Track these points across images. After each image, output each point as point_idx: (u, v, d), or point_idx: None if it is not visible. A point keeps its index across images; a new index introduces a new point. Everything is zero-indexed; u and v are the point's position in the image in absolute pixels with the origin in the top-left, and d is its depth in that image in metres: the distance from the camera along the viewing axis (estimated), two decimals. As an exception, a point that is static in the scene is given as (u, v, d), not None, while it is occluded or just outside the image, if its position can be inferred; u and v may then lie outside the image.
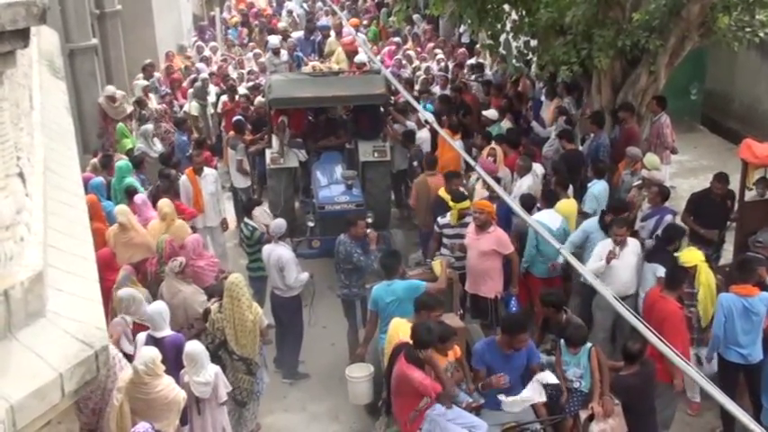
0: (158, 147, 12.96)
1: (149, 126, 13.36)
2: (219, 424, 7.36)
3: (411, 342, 6.80)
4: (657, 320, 7.26)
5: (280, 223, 9.30)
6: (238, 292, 7.82)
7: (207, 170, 11.17)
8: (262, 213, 10.37)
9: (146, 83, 15.08)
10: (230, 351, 7.84)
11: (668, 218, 9.47)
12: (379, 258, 8.68)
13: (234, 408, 8.00)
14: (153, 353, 6.69)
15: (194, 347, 7.12)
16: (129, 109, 14.32)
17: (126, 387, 6.58)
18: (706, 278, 8.17)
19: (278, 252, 9.06)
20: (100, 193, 10.59)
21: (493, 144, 11.50)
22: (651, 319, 7.30)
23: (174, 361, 7.09)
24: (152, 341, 7.25)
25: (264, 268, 9.46)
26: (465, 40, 19.55)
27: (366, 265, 9.07)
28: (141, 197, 10.29)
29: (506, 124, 12.83)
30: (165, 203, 9.80)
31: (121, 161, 11.50)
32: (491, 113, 12.98)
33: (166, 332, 7.39)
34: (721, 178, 9.75)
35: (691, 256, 8.22)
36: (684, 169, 13.80)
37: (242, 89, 15.06)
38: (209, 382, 7.06)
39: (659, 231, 9.24)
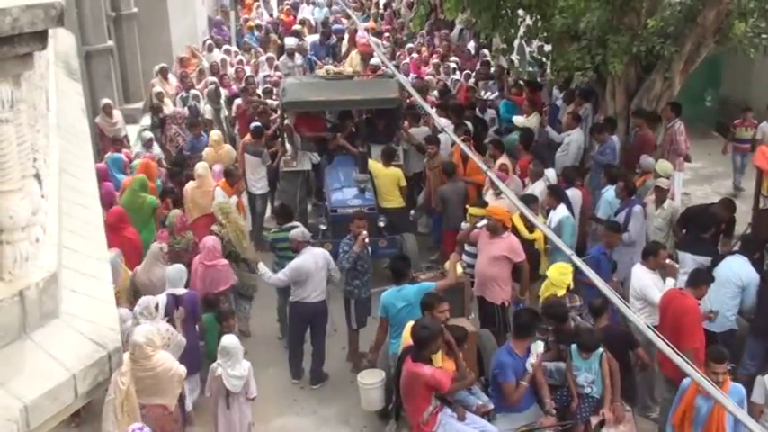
0: (156, 150, 12.97)
1: (148, 132, 13.40)
2: (246, 419, 7.59)
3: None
4: (675, 316, 7.33)
5: (302, 231, 9.29)
6: (227, 208, 9.86)
7: None
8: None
9: (160, 89, 15.06)
10: (237, 254, 9.62)
11: (636, 209, 9.59)
12: (389, 263, 8.72)
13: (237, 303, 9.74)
14: (146, 326, 7.14)
15: (231, 341, 7.42)
16: (124, 132, 14.06)
17: (130, 369, 6.68)
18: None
19: (324, 253, 9.11)
20: (117, 166, 11.27)
21: (504, 159, 11.40)
22: (667, 315, 7.33)
23: (191, 314, 8.13)
24: (173, 299, 8.10)
25: None
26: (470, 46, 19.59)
27: (338, 262, 9.13)
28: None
29: (532, 123, 12.89)
30: (214, 132, 12.80)
31: (137, 160, 11.65)
32: (519, 120, 12.98)
33: (183, 290, 8.24)
34: (726, 206, 9.70)
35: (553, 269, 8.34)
36: (698, 176, 13.74)
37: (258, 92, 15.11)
38: (243, 376, 7.34)
39: (631, 224, 9.47)
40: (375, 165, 11.66)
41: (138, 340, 6.82)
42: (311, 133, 12.66)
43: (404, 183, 11.58)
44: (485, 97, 15.02)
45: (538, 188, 10.52)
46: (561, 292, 8.15)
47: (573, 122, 12.30)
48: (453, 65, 17.45)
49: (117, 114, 14.01)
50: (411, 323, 7.36)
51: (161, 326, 7.69)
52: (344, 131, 12.65)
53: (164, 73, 16.01)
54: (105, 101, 13.97)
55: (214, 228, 9.77)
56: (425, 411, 6.67)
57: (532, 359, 7.05)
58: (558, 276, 8.12)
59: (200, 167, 11.20)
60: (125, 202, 10.22)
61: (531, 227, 9.13)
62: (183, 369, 7.16)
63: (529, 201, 9.06)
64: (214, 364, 7.42)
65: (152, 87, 15.53)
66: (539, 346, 7.11)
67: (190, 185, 11.02)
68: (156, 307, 7.81)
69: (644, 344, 7.67)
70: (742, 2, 10.58)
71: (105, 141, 13.47)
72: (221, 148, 12.57)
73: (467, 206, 10.11)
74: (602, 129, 11.68)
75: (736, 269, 8.22)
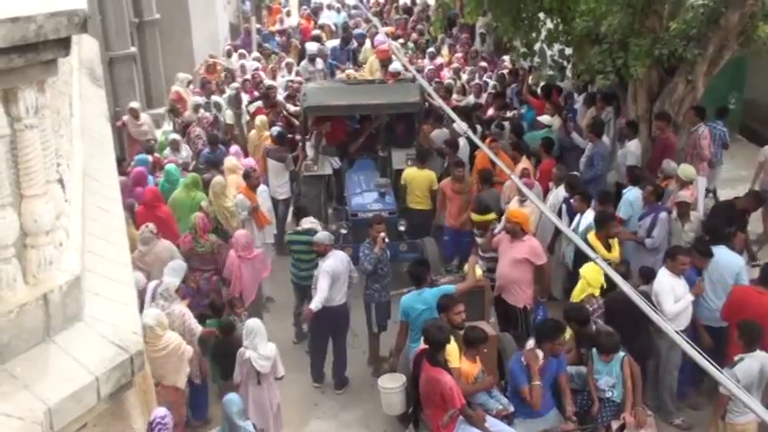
0: (183, 154, 13.07)
1: (176, 135, 13.55)
2: (276, 399, 7.89)
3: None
4: (757, 316, 7.28)
5: (328, 234, 9.34)
6: (218, 189, 10.44)
7: (261, 186, 11.15)
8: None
9: (199, 100, 14.97)
10: (225, 231, 10.31)
11: (662, 215, 9.49)
12: (407, 267, 8.72)
13: None
14: (155, 310, 7.48)
15: (255, 322, 7.76)
16: (151, 135, 14.24)
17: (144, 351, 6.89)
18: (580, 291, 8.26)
19: (345, 255, 9.20)
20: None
21: (525, 163, 11.35)
22: (744, 313, 7.39)
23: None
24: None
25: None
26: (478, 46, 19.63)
27: (360, 265, 9.17)
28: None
29: (554, 126, 12.85)
30: (259, 118, 13.45)
31: (170, 165, 11.84)
32: (545, 119, 12.94)
33: (176, 281, 8.41)
34: (754, 197, 9.81)
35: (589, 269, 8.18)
36: (721, 180, 13.57)
37: (279, 97, 15.15)
38: (271, 357, 7.63)
39: (656, 230, 9.36)
40: (409, 170, 11.54)
41: (148, 322, 7.11)
42: (332, 138, 12.67)
43: (436, 185, 11.41)
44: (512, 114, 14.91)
45: (561, 192, 10.48)
46: (598, 292, 8.12)
47: (593, 133, 12.18)
48: (479, 68, 17.42)
49: (145, 118, 14.22)
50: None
51: (176, 308, 8.03)
52: (364, 135, 12.68)
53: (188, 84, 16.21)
54: (133, 104, 14.18)
55: (203, 203, 10.23)
56: (446, 414, 6.67)
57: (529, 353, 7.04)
58: (595, 276, 8.08)
59: (232, 161, 11.56)
60: (177, 198, 10.70)
61: (608, 246, 8.90)
62: (190, 348, 7.58)
63: (607, 218, 9.08)
64: (241, 349, 7.65)
65: (175, 96, 15.59)
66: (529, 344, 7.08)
67: (230, 179, 11.13)
68: (178, 290, 8.15)
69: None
70: (766, 4, 10.47)
71: (132, 144, 13.72)
72: (263, 134, 12.96)
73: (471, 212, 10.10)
74: (594, 128, 11.70)
75: (726, 262, 8.25)
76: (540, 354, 7.05)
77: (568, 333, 7.71)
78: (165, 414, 6.10)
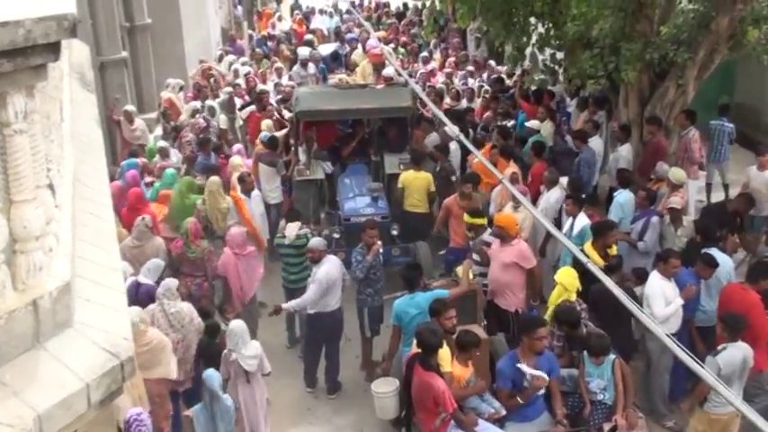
0: (174, 159, 13.05)
1: (164, 142, 13.56)
2: (263, 394, 7.93)
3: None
4: (740, 312, 7.39)
5: (322, 240, 9.34)
6: (215, 188, 10.53)
7: (254, 191, 11.15)
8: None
9: (196, 104, 14.95)
10: (213, 231, 10.38)
11: (654, 219, 9.56)
12: (400, 271, 8.73)
13: None
14: (136, 307, 7.60)
15: (238, 324, 7.79)
16: (145, 140, 14.32)
17: None
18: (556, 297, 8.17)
19: (339, 260, 9.21)
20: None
21: (513, 168, 11.29)
22: (727, 311, 7.52)
23: (146, 303, 8.25)
24: (134, 285, 8.44)
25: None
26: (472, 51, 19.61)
27: (351, 272, 9.19)
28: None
29: (546, 130, 12.83)
30: (265, 122, 13.59)
31: (169, 169, 11.88)
32: (533, 124, 12.97)
33: (148, 282, 8.56)
34: (746, 200, 9.90)
35: (564, 274, 8.16)
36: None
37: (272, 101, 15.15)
38: (257, 355, 7.71)
39: (648, 234, 9.47)
40: (407, 174, 11.48)
41: (132, 319, 7.14)
42: (324, 142, 12.68)
43: (433, 188, 11.41)
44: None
45: (553, 196, 10.50)
46: (574, 297, 8.12)
47: (579, 139, 12.20)
48: (467, 72, 17.44)
49: (139, 122, 14.22)
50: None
51: (183, 306, 8.13)
52: (356, 139, 12.69)
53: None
54: (128, 108, 14.18)
55: (198, 202, 10.43)
56: (437, 418, 6.67)
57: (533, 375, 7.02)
58: (571, 281, 8.08)
59: (237, 159, 11.91)
60: (175, 206, 10.73)
61: (606, 256, 8.78)
62: (168, 341, 7.73)
63: (605, 228, 9.01)
64: (226, 351, 7.71)
65: (167, 103, 15.55)
66: (537, 376, 7.01)
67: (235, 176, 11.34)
68: (178, 288, 8.24)
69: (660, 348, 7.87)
70: (755, 8, 10.54)
71: (124, 147, 13.86)
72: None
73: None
74: (580, 134, 11.80)
75: (719, 264, 8.27)
76: (538, 373, 7.02)
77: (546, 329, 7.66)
78: (140, 411, 6.19)
